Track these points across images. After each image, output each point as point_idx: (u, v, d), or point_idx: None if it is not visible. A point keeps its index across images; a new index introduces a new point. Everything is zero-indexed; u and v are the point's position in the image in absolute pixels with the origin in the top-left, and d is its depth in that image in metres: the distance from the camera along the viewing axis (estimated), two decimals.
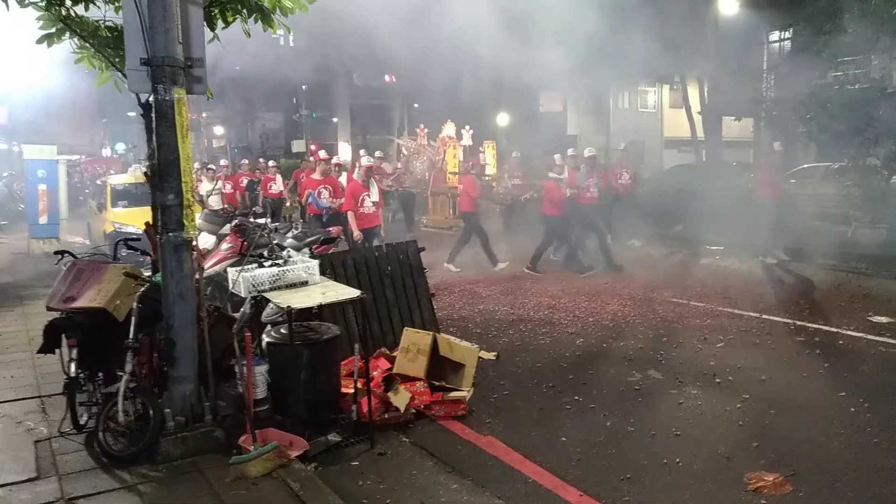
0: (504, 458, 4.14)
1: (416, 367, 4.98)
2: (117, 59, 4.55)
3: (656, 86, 29.90)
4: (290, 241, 7.18)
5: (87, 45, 4.69)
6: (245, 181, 15.89)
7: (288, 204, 15.08)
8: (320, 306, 4.53)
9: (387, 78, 32.20)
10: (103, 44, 4.61)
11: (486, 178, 14.88)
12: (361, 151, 13.72)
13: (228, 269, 5.15)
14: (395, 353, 5.24)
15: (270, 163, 16.41)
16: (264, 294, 4.48)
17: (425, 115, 36.25)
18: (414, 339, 5.12)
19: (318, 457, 4.13)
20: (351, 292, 4.50)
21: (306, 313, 4.70)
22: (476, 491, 3.77)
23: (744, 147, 26.04)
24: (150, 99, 4.01)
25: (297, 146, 30.32)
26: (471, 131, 17.03)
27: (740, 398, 4.93)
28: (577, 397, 5.05)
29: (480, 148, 18.14)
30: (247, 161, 17.89)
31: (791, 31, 18.43)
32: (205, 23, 4.40)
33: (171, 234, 4.00)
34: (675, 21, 15.38)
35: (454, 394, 4.94)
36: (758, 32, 19.32)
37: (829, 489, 3.64)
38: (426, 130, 18.44)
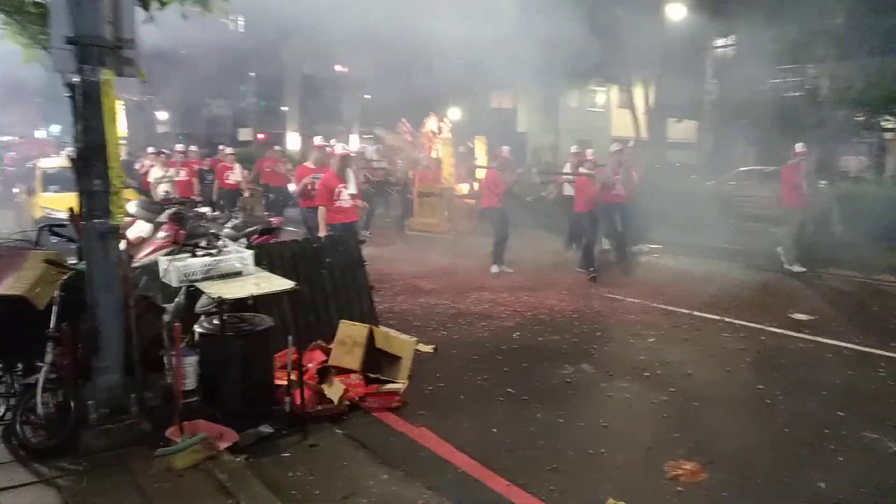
0: (435, 448, 4.19)
1: (351, 359, 4.99)
2: (43, 37, 4.39)
3: (605, 85, 30.43)
4: (227, 230, 7.06)
5: (13, 20, 4.51)
6: (196, 169, 14.76)
7: (247, 195, 14.07)
8: (255, 297, 4.48)
9: (337, 68, 31.89)
10: (29, 20, 4.44)
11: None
12: (335, 141, 11.06)
13: (159, 259, 5.05)
14: (331, 346, 5.23)
15: (228, 150, 15.03)
16: (196, 284, 4.41)
17: (377, 107, 36.06)
18: (350, 332, 5.13)
19: (249, 448, 4.09)
20: (285, 283, 4.47)
21: (242, 304, 4.65)
22: (406, 481, 3.81)
23: (689, 148, 26.82)
24: (77, 80, 3.88)
25: (244, 134, 29.81)
26: (449, 124, 14.82)
27: (667, 391, 5.11)
28: (510, 389, 5.14)
29: (469, 143, 16.43)
30: (195, 148, 16.46)
31: (734, 38, 19.07)
32: (139, 3, 4.29)
33: (96, 220, 3.89)
34: (622, 23, 15.73)
35: (389, 386, 4.97)
36: (703, 38, 19.92)
37: (741, 476, 3.82)
38: (409, 125, 16.19)
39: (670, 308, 7.69)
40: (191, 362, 4.25)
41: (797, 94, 13.18)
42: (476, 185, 13.78)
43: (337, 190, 7.63)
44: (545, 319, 7.19)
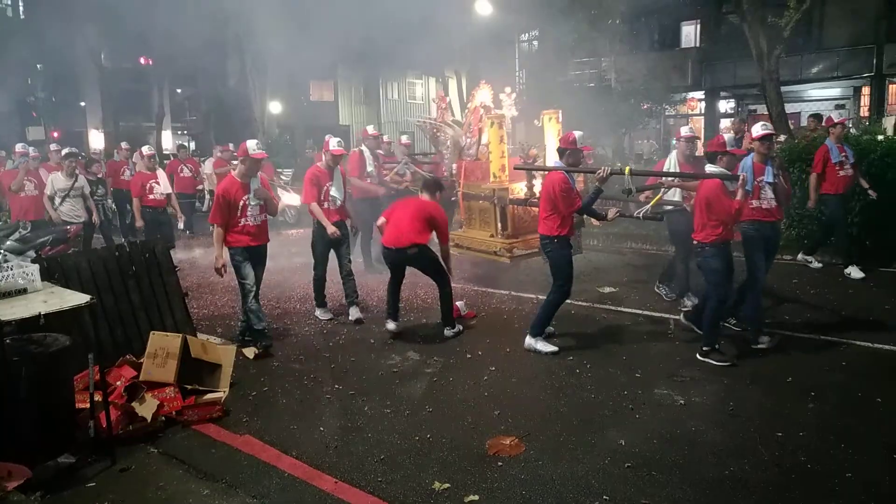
0: (260, 455, 4.07)
1: (165, 372, 4.70)
2: None
3: (423, 78, 31.17)
4: (10, 243, 6.35)
5: None
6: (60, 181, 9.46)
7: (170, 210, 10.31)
8: (48, 316, 4.05)
9: (142, 60, 29.51)
10: None
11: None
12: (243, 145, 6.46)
13: None
14: (141, 360, 4.88)
15: (146, 150, 10.21)
16: None
17: (189, 102, 33.88)
18: (162, 343, 4.82)
19: (47, 483, 3.72)
20: (79, 298, 4.08)
21: (34, 324, 4.17)
22: (229, 493, 3.67)
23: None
24: None
25: (34, 133, 26.57)
26: (513, 95, 10.10)
27: (487, 371, 5.37)
28: (338, 386, 5.12)
29: (536, 121, 11.27)
30: (58, 147, 10.92)
31: (537, 32, 20.39)
32: None
33: None
34: (434, 18, 16.18)
35: (209, 396, 4.75)
36: (509, 32, 21.06)
37: (554, 443, 4.11)
38: (448, 100, 11.02)
39: (490, 290, 8.07)
40: None
41: (592, 84, 14.41)
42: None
43: (241, 203, 5.91)
44: (372, 311, 7.23)
